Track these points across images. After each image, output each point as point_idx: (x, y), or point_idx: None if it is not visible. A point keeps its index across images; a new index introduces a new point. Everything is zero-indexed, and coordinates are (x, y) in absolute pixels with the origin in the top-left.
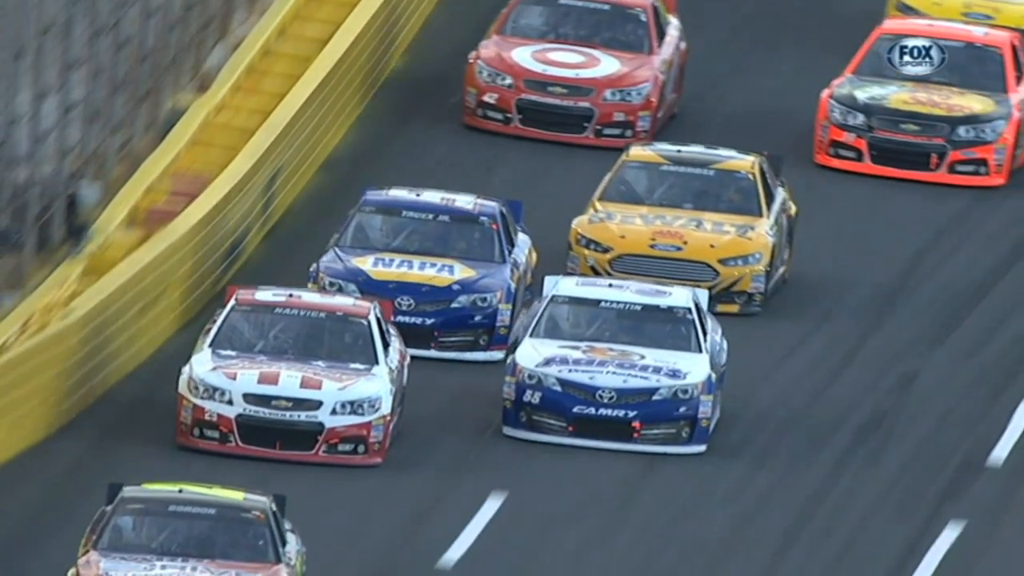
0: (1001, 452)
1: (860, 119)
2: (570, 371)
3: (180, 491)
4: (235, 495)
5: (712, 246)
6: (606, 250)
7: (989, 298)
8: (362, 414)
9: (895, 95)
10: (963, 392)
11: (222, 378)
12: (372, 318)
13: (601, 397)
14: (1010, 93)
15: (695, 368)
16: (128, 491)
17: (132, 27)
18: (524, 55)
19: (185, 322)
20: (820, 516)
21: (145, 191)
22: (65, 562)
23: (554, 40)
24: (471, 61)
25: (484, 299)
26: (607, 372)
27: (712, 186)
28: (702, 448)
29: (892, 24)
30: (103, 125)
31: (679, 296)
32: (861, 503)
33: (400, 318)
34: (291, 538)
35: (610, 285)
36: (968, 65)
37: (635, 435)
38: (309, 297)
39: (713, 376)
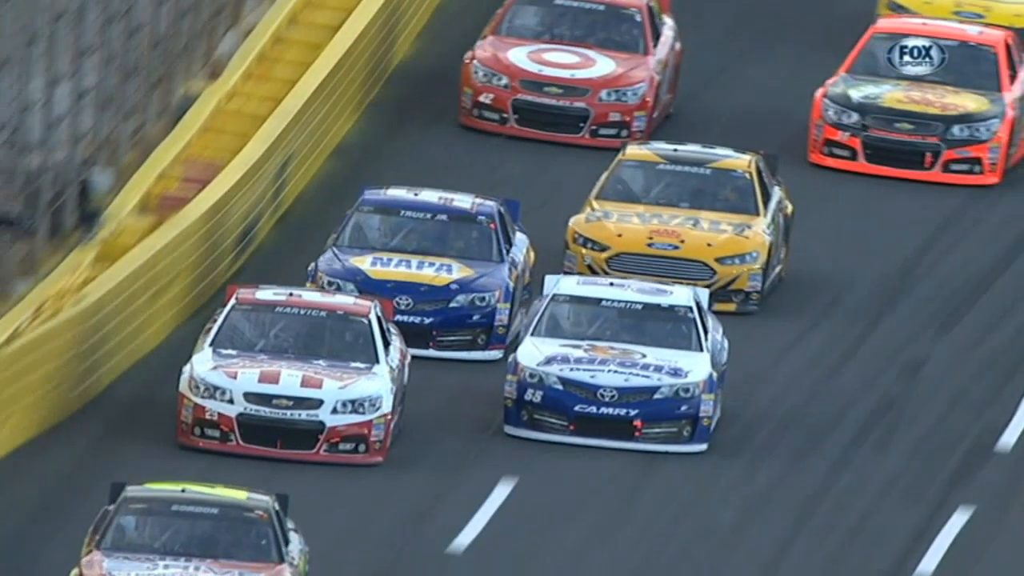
0: (1010, 437)
1: (854, 118)
2: (571, 370)
3: (183, 491)
4: (238, 494)
5: (709, 245)
6: (603, 249)
7: (990, 293)
8: (363, 413)
9: (889, 94)
10: (971, 378)
11: (223, 377)
12: (373, 317)
13: (602, 396)
14: (1004, 92)
15: (696, 367)
16: (131, 490)
17: (144, 14)
18: (520, 55)
19: (196, 309)
20: (828, 503)
21: (157, 177)
22: (67, 561)
23: (549, 40)
24: (467, 61)
25: (482, 298)
26: (608, 371)
27: (709, 185)
28: (703, 447)
29: (886, 23)
30: (115, 112)
31: (680, 295)
32: (870, 490)
33: (398, 317)
34: (294, 537)
35: (611, 284)
36: (962, 64)
37: (636, 434)
38: (310, 296)
39: (714, 375)
